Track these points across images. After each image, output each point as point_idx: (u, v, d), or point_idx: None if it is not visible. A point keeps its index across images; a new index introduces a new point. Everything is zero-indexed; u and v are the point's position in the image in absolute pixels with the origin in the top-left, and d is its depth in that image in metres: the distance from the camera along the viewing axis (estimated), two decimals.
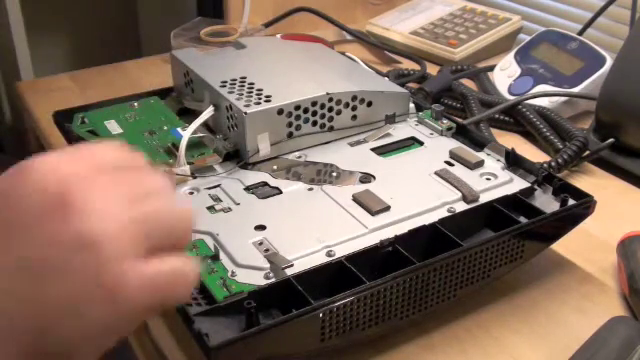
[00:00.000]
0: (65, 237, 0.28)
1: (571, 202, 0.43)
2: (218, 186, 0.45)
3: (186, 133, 0.47)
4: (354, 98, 0.51)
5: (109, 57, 0.83)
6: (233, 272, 0.37)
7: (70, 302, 0.28)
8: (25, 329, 0.28)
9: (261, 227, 0.41)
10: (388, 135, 0.52)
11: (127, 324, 0.30)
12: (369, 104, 0.52)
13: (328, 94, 0.49)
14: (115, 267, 0.28)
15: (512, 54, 0.74)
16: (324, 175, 0.47)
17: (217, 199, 0.44)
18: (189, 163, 0.47)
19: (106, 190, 0.29)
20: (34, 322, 0.28)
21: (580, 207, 0.43)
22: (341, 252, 0.38)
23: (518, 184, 0.46)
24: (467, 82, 0.74)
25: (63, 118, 0.54)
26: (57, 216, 0.28)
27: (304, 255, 0.38)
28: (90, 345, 0.30)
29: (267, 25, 0.85)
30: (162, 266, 0.30)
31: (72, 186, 0.29)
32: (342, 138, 0.51)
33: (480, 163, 0.48)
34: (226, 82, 0.51)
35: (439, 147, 0.50)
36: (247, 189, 0.45)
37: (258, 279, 0.37)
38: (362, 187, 0.45)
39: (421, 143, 0.51)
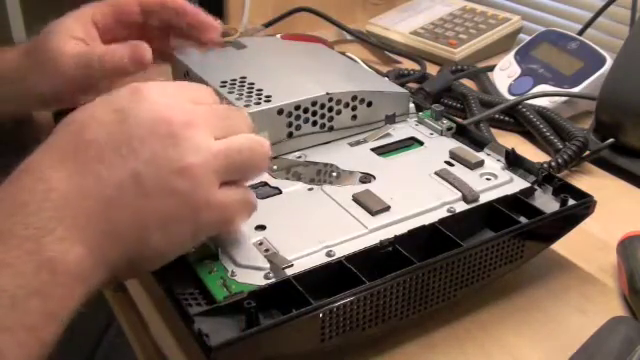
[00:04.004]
0: (170, 161, 0.33)
1: (571, 202, 0.43)
2: None
3: None
4: (354, 98, 0.51)
5: None
6: (233, 272, 0.37)
7: (165, 217, 0.33)
8: (127, 238, 0.33)
9: (261, 227, 0.41)
10: (388, 135, 0.52)
11: (195, 242, 0.36)
12: (369, 104, 0.52)
13: (328, 94, 0.49)
14: (202, 192, 0.34)
15: (512, 54, 0.74)
16: (324, 175, 0.47)
17: None
18: None
19: (201, 123, 0.34)
20: (134, 232, 0.33)
21: (580, 207, 0.43)
22: (341, 252, 0.38)
23: (518, 184, 0.46)
24: (467, 82, 0.74)
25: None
26: (166, 141, 0.33)
27: (304, 255, 0.38)
28: (162, 259, 0.35)
29: (267, 25, 0.85)
30: (234, 195, 0.36)
31: (176, 117, 0.34)
32: (342, 138, 0.51)
33: (480, 163, 0.48)
34: (226, 82, 0.51)
35: (439, 147, 0.50)
36: None
37: (258, 279, 0.37)
38: (362, 187, 0.45)
39: (421, 143, 0.51)
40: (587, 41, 0.71)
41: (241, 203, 0.36)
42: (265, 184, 0.46)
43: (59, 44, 0.51)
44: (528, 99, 0.64)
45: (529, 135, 0.64)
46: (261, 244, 0.39)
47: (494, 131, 0.64)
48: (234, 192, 0.36)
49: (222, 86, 0.50)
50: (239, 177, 0.36)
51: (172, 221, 0.33)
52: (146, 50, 0.51)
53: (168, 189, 0.33)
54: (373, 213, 0.42)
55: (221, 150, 0.35)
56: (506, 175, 0.46)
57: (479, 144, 0.51)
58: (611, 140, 0.58)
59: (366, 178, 0.46)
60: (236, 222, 0.37)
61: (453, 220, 0.42)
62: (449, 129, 0.52)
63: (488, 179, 0.46)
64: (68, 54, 0.51)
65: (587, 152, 0.58)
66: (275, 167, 0.48)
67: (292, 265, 0.38)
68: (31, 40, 0.55)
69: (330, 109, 0.50)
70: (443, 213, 0.42)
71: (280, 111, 0.48)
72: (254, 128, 0.38)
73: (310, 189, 0.45)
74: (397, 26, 0.87)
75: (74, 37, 0.52)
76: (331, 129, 0.51)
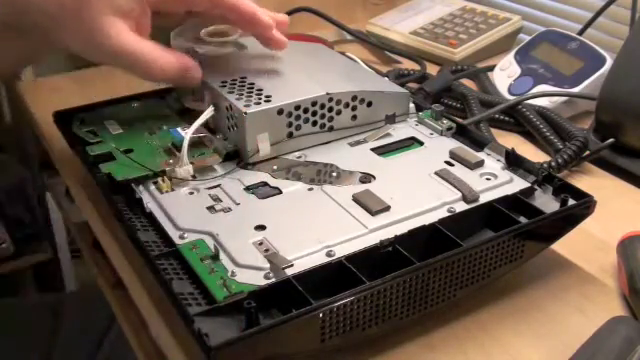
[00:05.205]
0: None
1: (571, 202, 0.43)
2: (218, 186, 0.45)
3: (187, 133, 0.47)
4: (354, 98, 0.51)
5: None
6: (233, 272, 0.37)
7: None
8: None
9: (261, 227, 0.41)
10: (388, 135, 0.52)
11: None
12: (369, 104, 0.52)
13: (328, 94, 0.49)
14: None
15: (512, 54, 0.74)
16: (324, 175, 0.47)
17: (217, 199, 0.44)
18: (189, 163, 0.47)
19: None
20: None
21: (580, 207, 0.43)
22: (341, 252, 0.38)
23: (518, 184, 0.46)
24: (467, 82, 0.74)
25: (63, 118, 0.54)
26: None
27: (304, 255, 0.38)
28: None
29: None
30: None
31: None
32: (342, 138, 0.51)
33: (480, 163, 0.48)
34: (226, 82, 0.51)
35: (439, 147, 0.50)
36: (247, 189, 0.45)
37: (258, 279, 0.37)
38: (362, 187, 0.45)
39: (421, 143, 0.51)
40: (587, 41, 0.71)
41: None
42: (265, 184, 0.46)
43: (105, 26, 0.44)
44: (528, 99, 0.64)
45: (529, 135, 0.64)
46: (261, 244, 0.39)
47: (494, 131, 0.64)
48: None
49: (222, 86, 0.50)
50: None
51: None
52: (198, 73, 0.49)
53: None
54: (373, 213, 0.42)
55: None
56: (506, 175, 0.46)
57: (479, 144, 0.51)
58: (611, 140, 0.58)
59: (366, 178, 0.46)
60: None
61: (453, 220, 0.42)
62: (449, 129, 0.52)
63: (488, 179, 0.46)
64: (120, 49, 0.45)
65: (587, 152, 0.58)
66: (275, 167, 0.48)
67: (292, 265, 0.38)
68: None
69: (330, 109, 0.50)
70: (443, 213, 0.42)
71: (280, 111, 0.48)
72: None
73: (310, 189, 0.45)
74: (397, 26, 0.87)
75: (122, 13, 0.45)
76: (331, 129, 0.51)
